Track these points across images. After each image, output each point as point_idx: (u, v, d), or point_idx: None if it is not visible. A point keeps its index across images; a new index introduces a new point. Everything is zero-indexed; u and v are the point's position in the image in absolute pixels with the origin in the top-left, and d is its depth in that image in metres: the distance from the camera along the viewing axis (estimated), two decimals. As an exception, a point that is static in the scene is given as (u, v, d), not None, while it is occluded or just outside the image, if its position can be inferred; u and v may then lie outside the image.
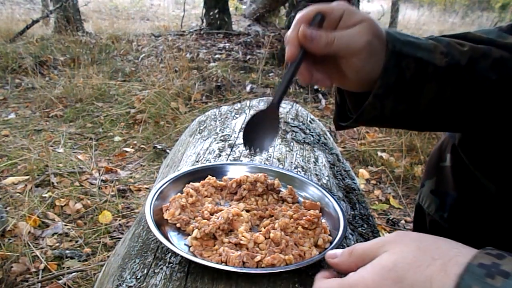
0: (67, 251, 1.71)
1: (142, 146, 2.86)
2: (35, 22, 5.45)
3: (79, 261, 1.67)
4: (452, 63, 0.57)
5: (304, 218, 0.64)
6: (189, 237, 0.61)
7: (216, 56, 4.91)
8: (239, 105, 1.31)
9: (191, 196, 0.69)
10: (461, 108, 0.58)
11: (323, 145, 1.05)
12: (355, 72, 0.57)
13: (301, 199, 0.74)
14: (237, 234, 0.60)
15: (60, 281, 1.53)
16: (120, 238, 1.26)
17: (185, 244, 0.60)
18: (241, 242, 0.58)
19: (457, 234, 0.73)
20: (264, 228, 0.62)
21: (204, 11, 6.49)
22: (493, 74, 0.57)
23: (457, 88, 0.57)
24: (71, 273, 1.58)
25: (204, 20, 6.48)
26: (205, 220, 0.62)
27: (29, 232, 1.81)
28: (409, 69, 0.56)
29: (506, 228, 0.65)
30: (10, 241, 1.73)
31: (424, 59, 0.56)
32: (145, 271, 0.56)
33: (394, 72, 0.55)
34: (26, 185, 2.18)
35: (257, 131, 0.61)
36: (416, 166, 2.58)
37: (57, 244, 1.77)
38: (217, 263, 0.55)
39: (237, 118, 1.17)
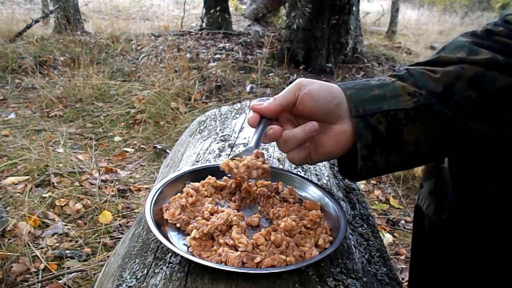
0: (67, 251, 1.71)
1: (142, 146, 2.86)
2: (35, 22, 5.45)
3: (79, 261, 1.67)
4: (421, 102, 0.58)
5: (306, 218, 0.64)
6: (188, 237, 0.61)
7: (216, 56, 4.92)
8: (239, 105, 1.31)
9: (191, 196, 0.69)
10: (452, 135, 0.59)
11: (323, 145, 1.05)
12: (331, 145, 0.63)
13: (301, 199, 0.74)
14: (232, 238, 0.60)
15: (60, 281, 1.53)
16: (120, 238, 1.26)
17: (184, 244, 0.60)
18: (239, 249, 0.58)
19: (456, 236, 0.72)
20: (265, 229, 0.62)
21: (204, 11, 6.49)
22: (472, 92, 0.58)
23: (438, 119, 0.58)
24: (71, 273, 1.58)
25: (204, 20, 6.48)
26: (204, 220, 0.62)
27: (29, 232, 1.81)
28: (381, 123, 0.58)
29: (505, 230, 0.65)
30: (10, 241, 1.73)
31: (391, 109, 0.58)
32: (145, 271, 0.56)
33: (368, 132, 0.58)
34: (26, 185, 2.18)
35: None
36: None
37: (57, 244, 1.77)
38: (216, 263, 0.55)
39: (237, 118, 1.17)
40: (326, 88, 0.62)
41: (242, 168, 0.67)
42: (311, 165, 0.67)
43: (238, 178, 0.69)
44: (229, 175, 0.79)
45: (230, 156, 0.72)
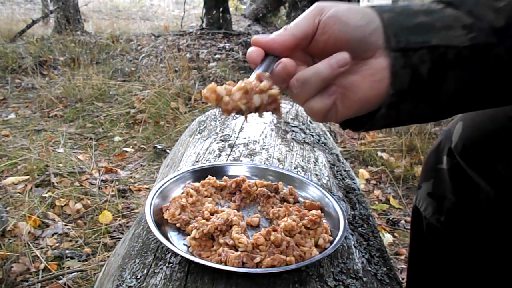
0: (67, 251, 1.71)
1: (142, 146, 2.86)
2: (35, 22, 5.45)
3: (79, 261, 1.67)
4: (479, 39, 0.43)
5: (306, 218, 0.64)
6: (188, 237, 0.61)
7: (216, 56, 4.91)
8: (239, 105, 1.30)
9: (191, 196, 0.69)
10: (498, 85, 0.45)
11: (323, 145, 1.05)
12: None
13: (301, 199, 0.74)
14: (232, 238, 0.60)
15: (60, 281, 1.53)
16: (120, 238, 1.26)
17: (184, 244, 0.60)
18: (239, 249, 0.58)
19: (454, 239, 0.71)
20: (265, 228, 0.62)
21: (204, 11, 6.49)
22: None
23: (492, 66, 0.44)
24: (71, 273, 1.58)
25: (204, 20, 6.48)
26: (204, 220, 0.62)
27: (29, 232, 1.81)
28: (424, 63, 0.44)
29: (505, 234, 0.64)
30: (10, 241, 1.72)
31: (442, 45, 0.44)
32: (145, 271, 0.56)
33: (406, 73, 0.44)
34: (26, 185, 2.18)
35: None
36: (416, 166, 2.58)
37: (57, 244, 1.77)
38: (216, 263, 0.55)
39: (237, 118, 1.17)
40: (357, 9, 0.47)
41: (237, 94, 0.47)
42: (337, 122, 0.50)
43: (232, 110, 0.48)
44: (229, 175, 0.79)
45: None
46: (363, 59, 0.46)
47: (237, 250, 0.57)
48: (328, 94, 0.47)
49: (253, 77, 0.48)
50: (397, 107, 0.46)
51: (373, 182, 2.54)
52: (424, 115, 0.48)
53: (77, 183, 2.26)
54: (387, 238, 1.98)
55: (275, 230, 0.60)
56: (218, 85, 0.48)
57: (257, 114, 0.49)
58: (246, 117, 0.49)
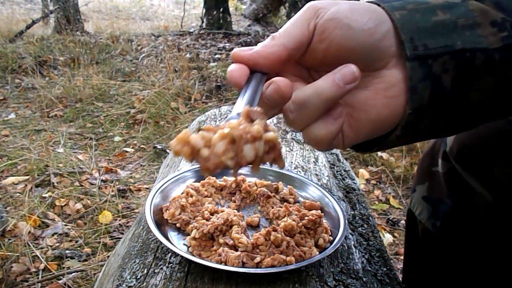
0: (67, 251, 1.71)
1: (142, 146, 2.86)
2: (35, 22, 5.45)
3: (79, 261, 1.67)
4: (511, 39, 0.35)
5: (306, 218, 0.64)
6: (188, 237, 0.61)
7: (216, 56, 4.91)
8: (239, 105, 1.31)
9: (191, 196, 0.69)
10: None
11: (323, 145, 1.05)
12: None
13: (301, 199, 0.74)
14: (232, 238, 0.60)
15: (60, 281, 1.53)
16: (120, 238, 1.26)
17: (184, 244, 0.60)
18: (239, 249, 0.57)
19: (450, 244, 0.69)
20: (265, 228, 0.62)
21: (204, 11, 6.49)
22: None
23: None
24: (71, 273, 1.58)
25: (204, 20, 6.48)
26: (204, 220, 0.62)
27: (29, 232, 1.81)
28: (447, 72, 0.36)
29: (503, 240, 0.62)
30: (10, 241, 1.73)
31: (468, 49, 0.35)
32: (145, 271, 0.56)
33: (427, 87, 0.36)
34: (26, 185, 2.18)
35: None
36: (416, 166, 2.58)
37: (57, 244, 1.77)
38: (216, 263, 0.55)
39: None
40: (363, 8, 0.38)
41: (219, 146, 0.34)
42: (344, 149, 0.42)
43: (215, 169, 0.34)
44: (229, 175, 0.79)
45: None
46: (374, 70, 0.38)
47: (237, 250, 0.57)
48: (333, 117, 0.38)
49: (237, 109, 0.36)
50: (415, 127, 0.38)
51: (373, 182, 2.54)
52: (445, 130, 0.40)
53: (77, 183, 2.26)
54: (387, 238, 1.98)
55: (275, 230, 0.60)
56: (193, 132, 0.35)
57: (250, 168, 0.36)
58: (235, 174, 0.37)
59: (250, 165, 0.35)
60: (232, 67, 0.39)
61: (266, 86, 0.38)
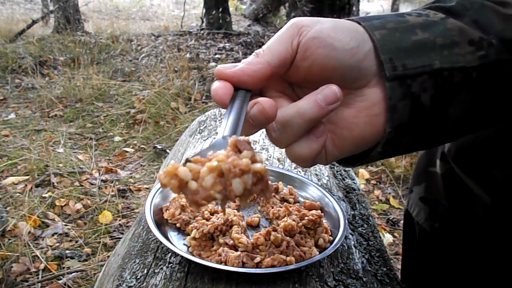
0: (67, 251, 1.71)
1: (142, 146, 2.86)
2: (35, 22, 5.45)
3: (79, 261, 1.67)
4: (490, 58, 0.36)
5: (306, 218, 0.64)
6: (188, 237, 0.61)
7: (216, 56, 4.91)
8: (239, 105, 1.31)
9: (191, 196, 0.69)
10: (508, 102, 0.39)
11: (323, 145, 1.05)
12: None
13: (301, 199, 0.74)
14: (232, 238, 0.60)
15: (60, 281, 1.53)
16: (120, 238, 1.26)
17: (184, 244, 0.60)
18: (239, 249, 0.57)
19: (448, 246, 0.68)
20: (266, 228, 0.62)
21: (204, 11, 6.49)
22: None
23: (501, 84, 0.37)
24: (71, 273, 1.58)
25: (204, 20, 6.48)
26: (204, 220, 0.62)
27: (29, 232, 1.81)
28: (426, 91, 0.37)
29: (502, 242, 0.61)
30: (10, 241, 1.73)
31: (446, 68, 0.36)
32: (145, 271, 0.56)
33: (406, 106, 0.37)
34: (26, 185, 2.18)
35: None
36: (416, 166, 2.58)
37: (57, 244, 1.77)
38: (216, 263, 0.55)
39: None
40: (345, 27, 0.38)
41: (208, 179, 0.33)
42: (326, 164, 0.43)
43: (203, 202, 0.34)
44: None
45: (183, 159, 0.40)
46: (356, 89, 0.39)
47: (237, 250, 0.57)
48: (316, 136, 0.39)
49: (223, 131, 0.37)
50: (396, 143, 0.39)
51: (373, 182, 2.54)
52: (425, 144, 0.42)
53: (77, 183, 2.27)
54: (387, 238, 1.98)
55: (275, 230, 0.60)
56: (181, 164, 0.34)
57: (239, 201, 0.35)
58: (223, 208, 0.38)
59: (238, 198, 0.34)
60: (216, 84, 0.39)
61: (251, 105, 0.39)
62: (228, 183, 0.33)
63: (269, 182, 0.37)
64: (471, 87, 0.37)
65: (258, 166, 0.34)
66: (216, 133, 1.06)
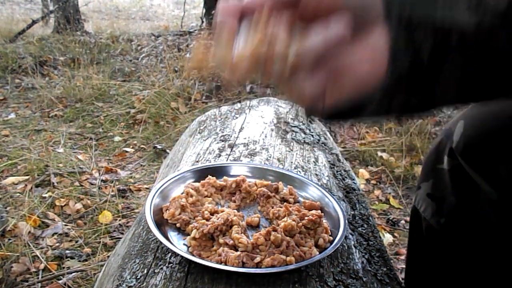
0: (67, 251, 1.71)
1: (142, 146, 2.86)
2: (35, 22, 5.45)
3: (79, 261, 1.67)
4: (485, 24, 0.36)
5: (306, 218, 0.64)
6: (188, 237, 0.61)
7: (216, 56, 4.90)
8: (239, 105, 1.31)
9: (191, 196, 0.69)
10: (495, 75, 0.39)
11: (323, 145, 1.05)
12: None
13: (301, 199, 0.74)
14: (232, 238, 0.60)
15: (60, 281, 1.53)
16: (120, 238, 1.26)
17: (184, 244, 0.60)
18: (239, 249, 0.57)
19: (454, 241, 0.70)
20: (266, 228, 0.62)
21: (204, 11, 6.48)
22: None
23: (491, 54, 0.38)
24: (71, 273, 1.58)
25: (204, 20, 6.47)
26: (204, 220, 0.62)
27: (29, 232, 1.81)
28: (426, 45, 0.37)
29: (507, 238, 0.62)
30: (10, 241, 1.72)
31: (446, 23, 0.36)
32: (145, 271, 0.56)
33: (408, 54, 0.37)
34: (26, 185, 2.18)
35: None
36: (416, 166, 2.58)
37: (57, 244, 1.77)
38: (216, 263, 0.55)
39: (237, 118, 1.17)
40: None
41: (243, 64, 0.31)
42: (324, 110, 0.41)
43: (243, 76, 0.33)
44: (230, 175, 0.79)
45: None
46: (363, 31, 0.38)
47: (237, 250, 0.57)
48: (319, 74, 0.39)
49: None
50: (391, 96, 0.39)
51: (373, 182, 2.53)
52: (411, 108, 0.42)
53: (77, 183, 2.26)
54: (387, 238, 1.98)
55: (275, 230, 0.60)
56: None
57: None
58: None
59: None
60: (220, 17, 0.39)
61: None
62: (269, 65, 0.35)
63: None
64: (465, 50, 0.37)
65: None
66: (217, 133, 1.06)
